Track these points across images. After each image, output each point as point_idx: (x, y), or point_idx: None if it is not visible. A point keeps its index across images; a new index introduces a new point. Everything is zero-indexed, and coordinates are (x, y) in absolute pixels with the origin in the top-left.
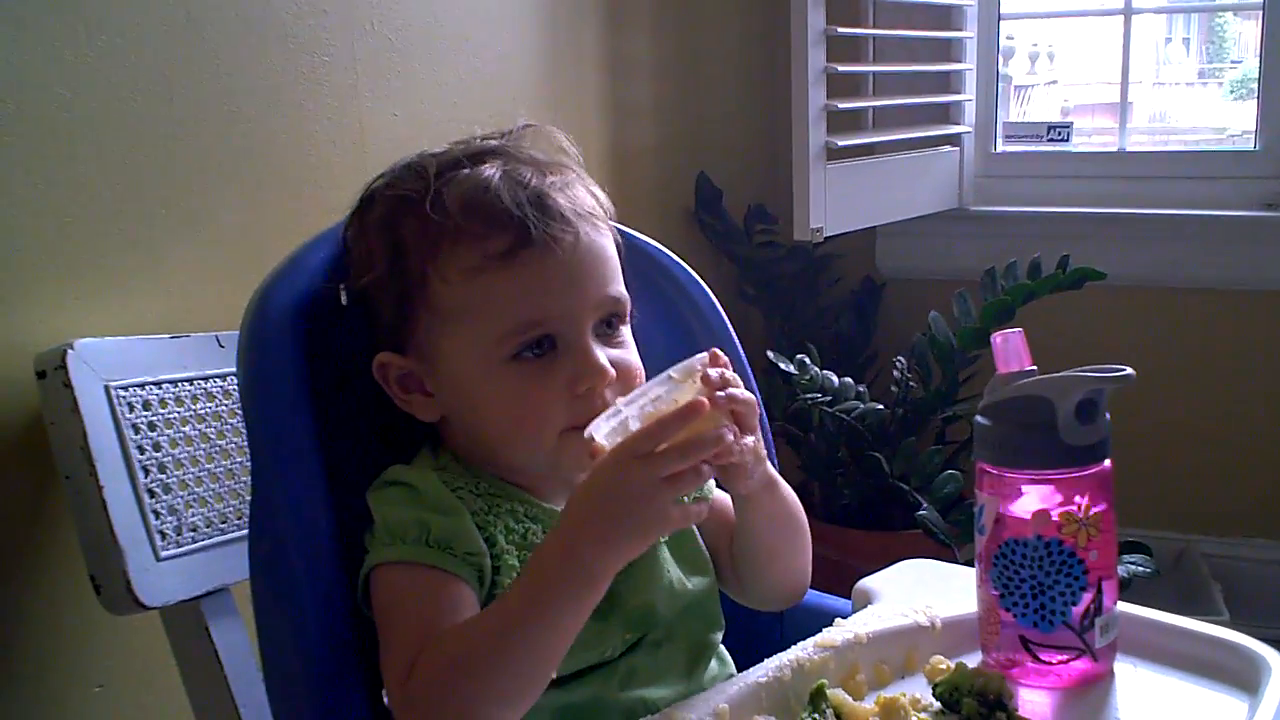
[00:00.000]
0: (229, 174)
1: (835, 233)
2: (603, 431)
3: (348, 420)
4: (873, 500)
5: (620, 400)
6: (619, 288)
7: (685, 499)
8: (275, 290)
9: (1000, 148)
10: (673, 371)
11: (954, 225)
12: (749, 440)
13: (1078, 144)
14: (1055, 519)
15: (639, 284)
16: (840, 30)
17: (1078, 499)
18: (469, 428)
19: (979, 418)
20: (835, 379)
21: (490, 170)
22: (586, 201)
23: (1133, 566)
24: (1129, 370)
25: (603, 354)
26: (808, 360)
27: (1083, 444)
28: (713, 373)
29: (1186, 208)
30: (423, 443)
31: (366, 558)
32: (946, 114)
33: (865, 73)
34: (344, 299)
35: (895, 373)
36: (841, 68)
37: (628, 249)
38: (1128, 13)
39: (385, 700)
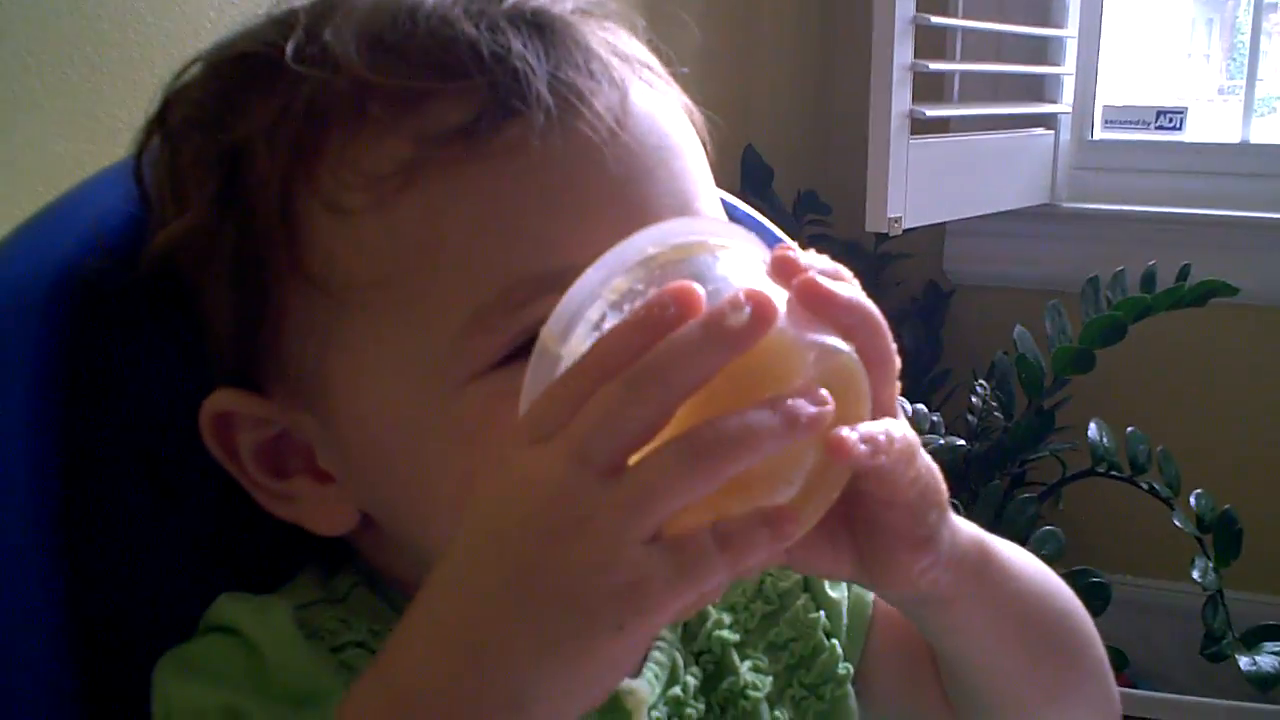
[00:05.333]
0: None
1: (914, 225)
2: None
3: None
4: None
5: (590, 271)
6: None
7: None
8: (14, 261)
9: (1099, 134)
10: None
11: (1042, 224)
12: (883, 428)
13: (1192, 134)
14: None
15: None
16: None
17: None
18: (413, 533)
19: None
20: (908, 406)
21: None
22: (628, 42)
23: None
24: None
25: None
26: None
27: None
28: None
29: None
30: (315, 556)
31: None
32: (1041, 89)
33: (955, 26)
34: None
35: (974, 399)
36: (934, 19)
37: None
38: None
39: None
